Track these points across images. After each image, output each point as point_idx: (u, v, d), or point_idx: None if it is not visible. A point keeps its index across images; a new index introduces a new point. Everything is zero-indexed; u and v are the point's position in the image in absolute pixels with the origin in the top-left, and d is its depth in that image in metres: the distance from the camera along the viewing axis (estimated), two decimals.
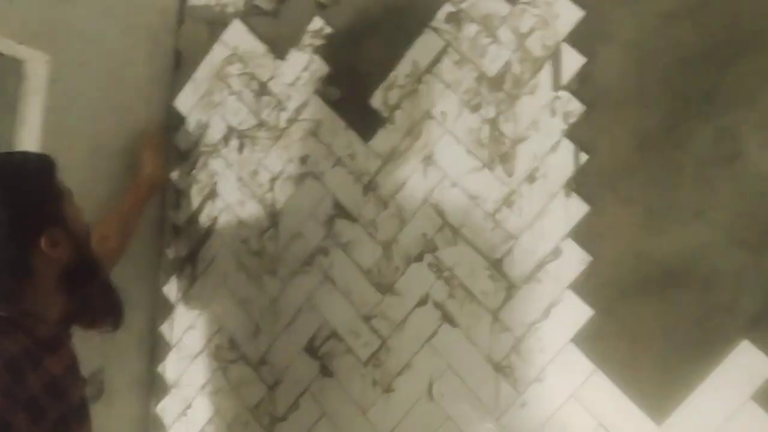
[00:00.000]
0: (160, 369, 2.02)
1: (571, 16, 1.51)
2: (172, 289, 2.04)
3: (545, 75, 1.53)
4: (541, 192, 1.51)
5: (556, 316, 1.46)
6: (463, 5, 1.64)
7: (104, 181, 1.95)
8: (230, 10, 2.04)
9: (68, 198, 1.38)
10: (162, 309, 2.05)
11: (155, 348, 2.04)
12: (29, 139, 1.79)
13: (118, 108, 2.01)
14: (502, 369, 1.50)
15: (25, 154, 1.49)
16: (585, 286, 1.44)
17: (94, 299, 1.50)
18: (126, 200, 1.90)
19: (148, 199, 1.97)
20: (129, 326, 1.96)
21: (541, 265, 1.49)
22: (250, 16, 2.00)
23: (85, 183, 1.87)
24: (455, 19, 1.65)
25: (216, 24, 2.06)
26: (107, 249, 1.74)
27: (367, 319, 1.68)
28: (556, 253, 1.47)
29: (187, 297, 2.01)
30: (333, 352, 1.72)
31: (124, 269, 1.97)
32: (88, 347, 1.53)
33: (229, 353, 1.88)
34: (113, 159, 1.99)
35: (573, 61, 1.50)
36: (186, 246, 2.03)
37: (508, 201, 1.54)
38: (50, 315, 1.33)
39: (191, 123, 2.07)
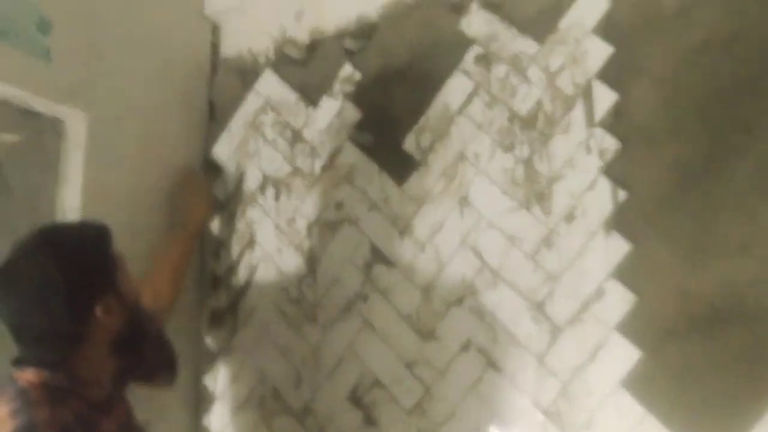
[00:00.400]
0: (205, 422, 2.01)
1: (600, 52, 1.49)
2: (214, 340, 2.04)
3: (578, 112, 1.51)
4: (580, 231, 1.48)
5: (603, 358, 1.42)
6: (492, 46, 1.64)
7: (144, 235, 1.96)
8: (262, 60, 2.06)
9: (122, 266, 1.42)
10: (205, 360, 2.05)
11: (200, 400, 2.04)
12: (71, 196, 1.82)
13: (156, 161, 2.04)
14: (550, 415, 1.46)
15: (83, 224, 1.52)
16: (631, 327, 1.39)
17: (148, 355, 1.57)
18: (174, 248, 1.90)
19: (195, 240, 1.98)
20: None
21: (584, 307, 1.45)
22: (281, 65, 2.02)
23: (125, 237, 1.89)
24: (484, 60, 1.65)
25: (248, 74, 2.09)
26: (161, 303, 1.77)
27: (409, 366, 1.66)
28: (599, 293, 1.44)
29: (229, 348, 2.01)
30: (376, 400, 1.69)
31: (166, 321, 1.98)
32: (134, 402, 1.54)
33: (273, 404, 1.87)
34: (152, 213, 2.01)
35: (606, 98, 1.47)
36: (227, 296, 2.04)
37: (547, 241, 1.52)
38: (102, 379, 1.37)
39: (228, 173, 2.09)
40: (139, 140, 1.98)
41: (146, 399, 1.88)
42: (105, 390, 1.37)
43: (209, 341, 2.04)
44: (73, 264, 1.29)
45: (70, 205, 1.81)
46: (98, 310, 1.31)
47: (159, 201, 2.02)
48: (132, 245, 1.88)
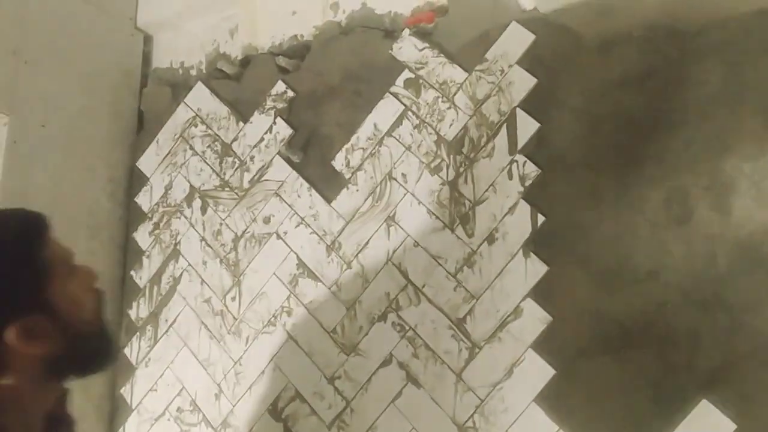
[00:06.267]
0: None
1: (524, 83, 1.56)
2: (133, 350, 2.02)
3: (501, 139, 1.57)
4: (500, 252, 1.54)
5: (518, 375, 1.47)
6: (422, 72, 1.69)
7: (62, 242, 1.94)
8: (194, 73, 2.07)
9: (60, 270, 1.02)
10: (122, 372, 2.02)
11: (115, 412, 2.01)
12: None
13: (80, 168, 2.02)
14: (466, 430, 1.51)
15: (9, 216, 1.06)
16: (546, 346, 1.46)
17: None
18: None
19: None
20: (87, 391, 1.95)
21: (502, 325, 1.51)
22: (213, 79, 2.03)
23: None
24: (414, 84, 1.70)
25: (179, 87, 2.09)
26: None
27: (331, 380, 1.68)
28: (517, 312, 1.50)
29: (148, 359, 1.99)
30: (297, 414, 1.71)
31: None
32: None
33: (190, 416, 1.86)
34: (74, 220, 1.98)
35: (528, 126, 1.54)
36: (147, 307, 2.02)
37: (469, 261, 1.57)
38: (40, 409, 1.03)
39: (154, 183, 2.07)
40: (62, 146, 1.96)
41: None
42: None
43: (127, 351, 2.02)
44: None
45: None
46: (12, 336, 0.93)
47: (80, 208, 2.00)
48: None
